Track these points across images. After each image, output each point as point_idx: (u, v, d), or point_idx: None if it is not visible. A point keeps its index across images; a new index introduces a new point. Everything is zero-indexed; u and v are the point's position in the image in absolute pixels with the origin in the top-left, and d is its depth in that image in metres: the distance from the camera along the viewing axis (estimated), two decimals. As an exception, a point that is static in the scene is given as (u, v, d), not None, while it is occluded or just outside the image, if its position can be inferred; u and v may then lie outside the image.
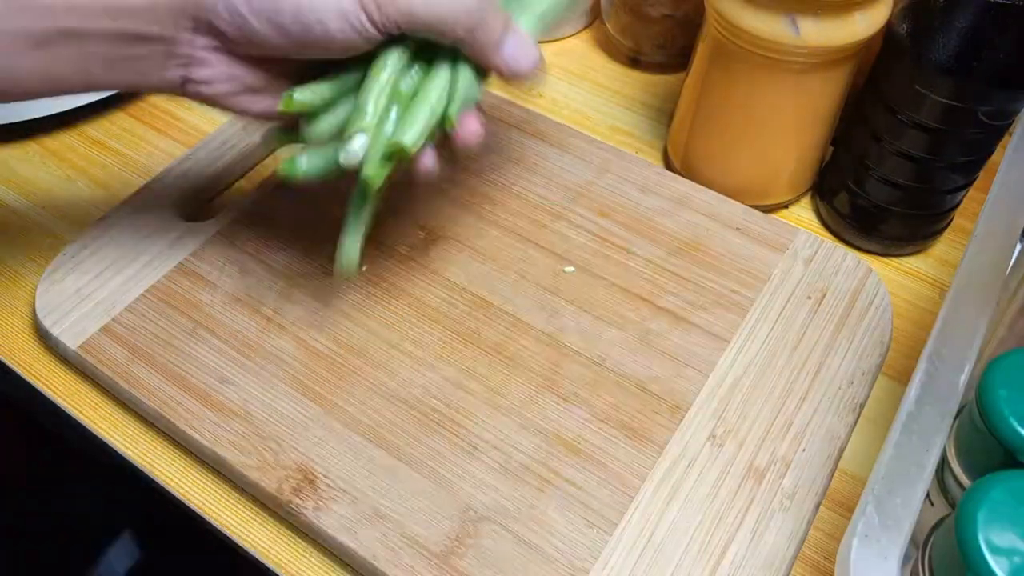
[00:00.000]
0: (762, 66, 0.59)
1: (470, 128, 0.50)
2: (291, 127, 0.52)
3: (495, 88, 0.77)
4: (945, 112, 0.56)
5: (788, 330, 0.58)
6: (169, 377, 0.55)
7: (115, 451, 0.54)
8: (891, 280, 0.64)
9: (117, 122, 0.75)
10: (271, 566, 0.50)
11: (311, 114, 0.50)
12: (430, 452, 0.52)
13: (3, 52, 0.44)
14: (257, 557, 0.51)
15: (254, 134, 0.69)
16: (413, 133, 0.48)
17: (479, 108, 0.52)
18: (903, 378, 0.58)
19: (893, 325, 0.59)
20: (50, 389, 0.57)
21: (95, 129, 0.74)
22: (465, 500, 0.50)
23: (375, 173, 0.48)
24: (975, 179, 0.62)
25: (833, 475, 0.53)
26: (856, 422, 0.55)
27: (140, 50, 0.47)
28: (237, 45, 0.48)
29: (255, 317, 0.58)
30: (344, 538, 0.48)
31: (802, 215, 0.69)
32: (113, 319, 0.57)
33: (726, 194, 0.66)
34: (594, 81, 0.80)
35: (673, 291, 0.60)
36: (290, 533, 0.51)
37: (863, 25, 0.56)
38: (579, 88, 0.79)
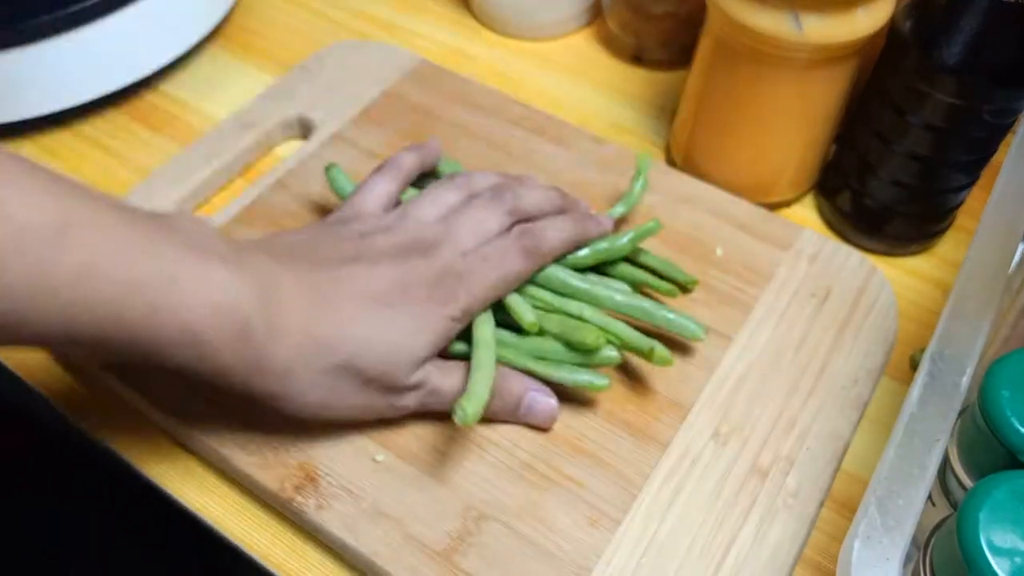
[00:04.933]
0: (765, 63, 0.59)
1: None
2: None
3: (495, 83, 0.77)
4: (948, 111, 0.56)
5: (792, 328, 0.58)
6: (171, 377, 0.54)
7: (114, 453, 0.54)
8: (894, 280, 0.64)
9: (113, 121, 0.74)
10: (271, 568, 0.50)
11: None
12: (432, 450, 0.52)
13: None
14: (256, 559, 0.51)
15: (253, 129, 0.69)
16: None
17: None
18: (906, 378, 0.58)
19: (897, 324, 0.59)
20: (50, 393, 0.57)
21: (91, 128, 0.74)
22: (467, 498, 0.50)
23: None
24: (978, 178, 0.62)
25: (836, 474, 0.53)
26: (860, 421, 0.55)
27: None
28: None
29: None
30: (346, 536, 0.48)
31: (805, 214, 0.69)
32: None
33: (729, 191, 0.65)
34: (596, 78, 0.80)
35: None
36: (291, 533, 0.51)
37: (866, 22, 0.56)
38: (581, 85, 0.79)
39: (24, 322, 0.39)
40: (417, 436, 0.52)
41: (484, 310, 0.53)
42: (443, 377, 0.51)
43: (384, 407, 0.51)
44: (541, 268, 0.55)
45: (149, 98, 0.76)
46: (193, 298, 0.43)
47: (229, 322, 0.44)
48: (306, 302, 0.47)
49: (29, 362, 0.58)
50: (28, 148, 0.72)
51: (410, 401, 0.51)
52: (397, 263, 0.51)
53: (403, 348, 0.49)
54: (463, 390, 0.49)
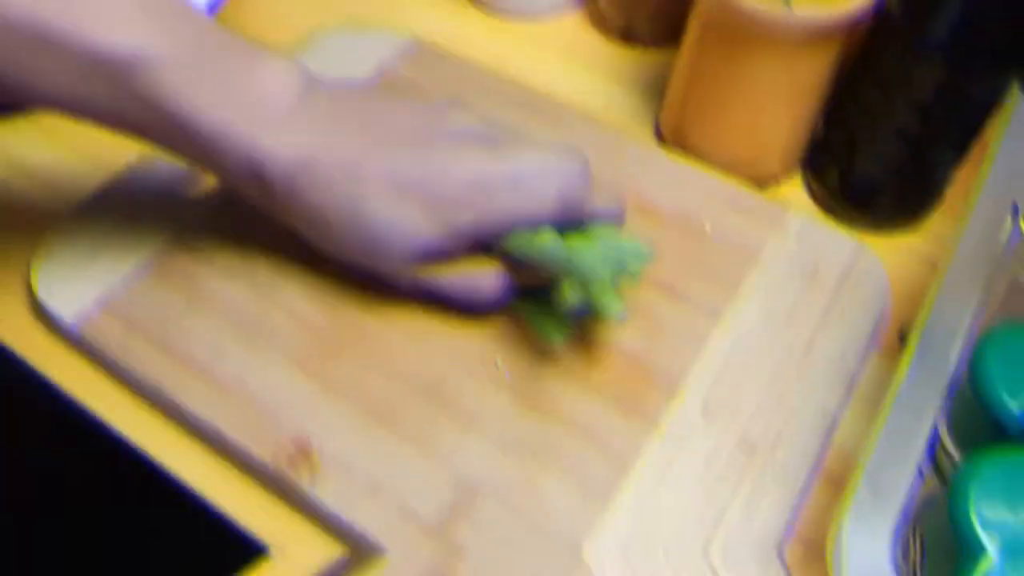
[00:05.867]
0: (754, 40, 0.59)
1: None
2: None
3: (489, 64, 0.77)
4: (937, 88, 0.56)
5: (781, 304, 0.58)
6: (166, 351, 0.55)
7: (110, 429, 0.54)
8: (883, 257, 0.64)
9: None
10: (266, 540, 0.50)
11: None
12: (425, 424, 0.52)
13: None
14: (251, 531, 0.51)
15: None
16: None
17: None
18: (895, 354, 0.58)
19: (886, 300, 0.60)
20: (44, 367, 0.57)
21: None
22: (461, 472, 0.50)
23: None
24: (968, 156, 0.62)
25: (826, 450, 0.53)
26: (848, 396, 0.55)
27: None
28: None
29: (250, 291, 0.58)
30: (339, 510, 0.49)
31: (793, 191, 0.69)
32: (109, 293, 0.57)
33: (718, 167, 0.66)
34: (588, 59, 0.79)
35: (666, 266, 0.60)
36: (285, 508, 0.52)
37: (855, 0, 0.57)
38: (573, 66, 0.79)
39: (102, 121, 0.49)
40: (411, 410, 0.53)
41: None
42: (442, 271, 0.54)
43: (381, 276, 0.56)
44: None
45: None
46: (233, 151, 0.50)
47: (256, 176, 0.51)
48: (332, 175, 0.52)
49: (16, 335, 0.59)
50: (24, 126, 0.70)
51: (402, 285, 0.56)
52: (453, 149, 0.53)
53: (384, 244, 0.52)
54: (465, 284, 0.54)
